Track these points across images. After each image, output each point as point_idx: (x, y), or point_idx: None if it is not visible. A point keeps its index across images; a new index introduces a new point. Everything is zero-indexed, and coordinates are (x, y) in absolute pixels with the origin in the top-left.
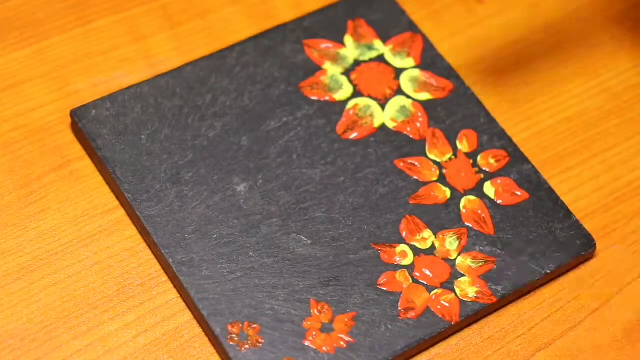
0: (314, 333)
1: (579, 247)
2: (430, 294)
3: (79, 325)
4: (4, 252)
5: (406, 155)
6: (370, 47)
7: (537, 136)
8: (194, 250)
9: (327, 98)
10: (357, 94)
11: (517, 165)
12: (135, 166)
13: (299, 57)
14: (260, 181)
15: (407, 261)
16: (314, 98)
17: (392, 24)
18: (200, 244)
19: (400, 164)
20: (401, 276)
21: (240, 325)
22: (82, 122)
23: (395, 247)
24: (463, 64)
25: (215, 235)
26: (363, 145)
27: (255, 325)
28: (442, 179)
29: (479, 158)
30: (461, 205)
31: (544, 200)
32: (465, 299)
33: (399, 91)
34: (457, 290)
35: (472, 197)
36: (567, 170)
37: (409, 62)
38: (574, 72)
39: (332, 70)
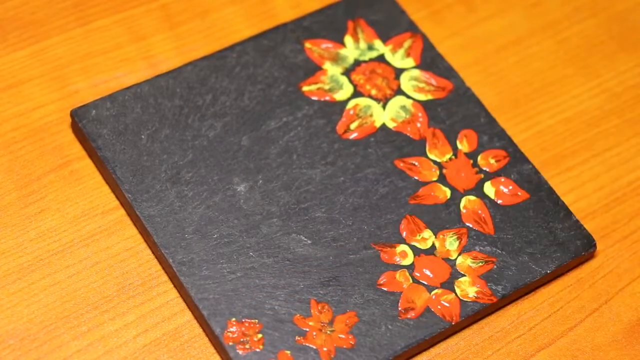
0: (314, 333)
1: (579, 247)
2: (430, 294)
3: (79, 325)
4: (4, 252)
5: (406, 155)
6: (370, 47)
7: (537, 136)
8: (194, 250)
9: (327, 98)
10: (357, 94)
11: (517, 165)
12: (135, 166)
13: (299, 57)
14: (261, 181)
15: (407, 261)
16: (314, 98)
17: (392, 24)
18: (200, 244)
19: (400, 164)
20: (401, 276)
21: (241, 325)
22: (82, 122)
23: (395, 247)
24: (463, 64)
25: (215, 235)
26: (363, 145)
27: (255, 325)
28: (442, 179)
29: (479, 158)
30: (461, 205)
31: (544, 201)
32: (465, 299)
33: (399, 91)
34: (457, 290)
35: (472, 197)
36: (567, 170)
37: (409, 62)
38: (574, 72)
39: (332, 70)
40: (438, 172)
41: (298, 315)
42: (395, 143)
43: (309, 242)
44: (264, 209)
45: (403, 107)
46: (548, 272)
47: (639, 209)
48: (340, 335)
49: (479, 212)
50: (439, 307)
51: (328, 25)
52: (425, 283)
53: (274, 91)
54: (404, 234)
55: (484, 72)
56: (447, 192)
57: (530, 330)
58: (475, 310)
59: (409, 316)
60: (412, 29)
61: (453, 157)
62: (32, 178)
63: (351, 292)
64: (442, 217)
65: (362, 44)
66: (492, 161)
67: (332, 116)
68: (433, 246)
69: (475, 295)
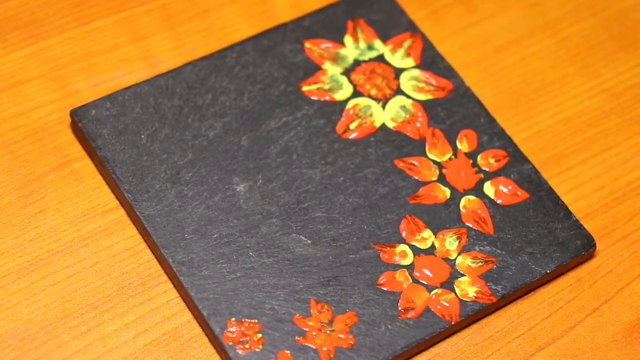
0: (314, 333)
1: (579, 247)
2: (430, 293)
3: (78, 325)
4: (4, 252)
5: (406, 155)
6: (370, 47)
7: (537, 136)
8: (193, 250)
9: (327, 98)
10: (357, 93)
11: (517, 165)
12: (135, 166)
13: (299, 57)
14: (260, 181)
15: (407, 261)
16: (314, 98)
17: (392, 23)
18: (200, 243)
19: (400, 164)
20: (401, 276)
21: (240, 325)
22: (82, 122)
23: (395, 247)
24: (463, 64)
25: (215, 235)
26: (363, 145)
27: (255, 325)
28: (442, 179)
29: (478, 158)
30: (461, 205)
31: (543, 200)
32: (465, 299)
33: (399, 91)
34: (457, 290)
35: (472, 197)
36: (567, 170)
37: (409, 62)
38: (573, 71)
39: (331, 70)
40: (438, 172)
41: (298, 315)
42: (395, 143)
43: (309, 242)
44: (264, 208)
45: (403, 107)
46: (548, 271)
47: (639, 208)
48: (340, 335)
49: (479, 211)
50: (438, 307)
51: (328, 25)
52: (425, 283)
53: (273, 91)
54: (403, 234)
55: (484, 71)
56: (447, 192)
57: (530, 330)
58: (475, 310)
59: (408, 316)
60: (412, 28)
61: (453, 156)
62: (31, 178)
63: (351, 292)
64: (442, 217)
65: (362, 44)
66: (492, 161)
67: (332, 116)
68: (433, 246)
69: (475, 295)
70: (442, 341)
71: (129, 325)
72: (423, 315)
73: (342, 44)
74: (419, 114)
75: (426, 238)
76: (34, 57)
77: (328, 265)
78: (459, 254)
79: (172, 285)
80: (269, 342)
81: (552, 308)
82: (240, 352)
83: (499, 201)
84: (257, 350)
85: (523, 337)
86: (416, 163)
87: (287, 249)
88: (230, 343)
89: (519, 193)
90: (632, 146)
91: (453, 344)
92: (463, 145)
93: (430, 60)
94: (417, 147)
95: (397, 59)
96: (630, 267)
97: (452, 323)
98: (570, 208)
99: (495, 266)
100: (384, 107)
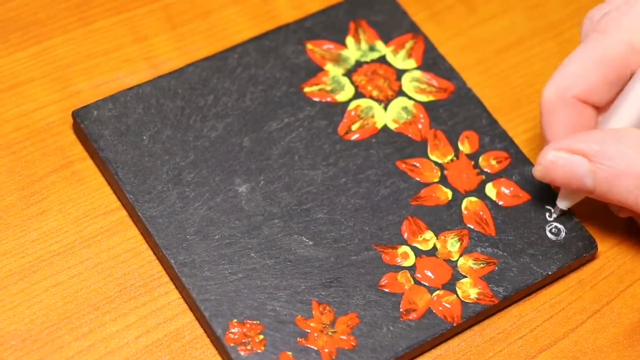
0: (316, 334)
1: (581, 249)
2: (431, 295)
3: (80, 326)
4: (6, 253)
5: (408, 157)
6: (372, 48)
7: (539, 137)
8: (195, 251)
9: (328, 99)
10: (358, 95)
11: (519, 166)
12: (137, 167)
13: (301, 58)
14: (262, 182)
15: (409, 262)
16: (316, 99)
17: (394, 25)
18: (201, 245)
19: (401, 165)
20: (403, 277)
21: (242, 327)
22: (83, 123)
23: (396, 249)
24: (464, 65)
25: (216, 236)
26: (365, 146)
27: (257, 326)
28: (443, 180)
29: (480, 159)
30: (462, 206)
31: (545, 202)
32: (466, 301)
33: (401, 92)
34: (459, 292)
35: (473, 199)
36: None
37: (411, 63)
38: None
39: (333, 71)
40: (439, 173)
41: (299, 316)
42: (396, 144)
43: (311, 243)
44: (266, 210)
45: (404, 109)
46: (549, 273)
47: None
48: (342, 337)
49: (480, 213)
50: (440, 308)
51: (329, 26)
52: (427, 284)
53: (275, 92)
54: (405, 235)
55: (486, 73)
56: (449, 194)
57: (532, 331)
58: (476, 312)
59: (410, 317)
60: (414, 30)
61: (454, 158)
62: (33, 179)
63: (352, 294)
64: (444, 219)
65: (364, 45)
66: (494, 162)
67: (334, 117)
68: (434, 247)
69: (477, 296)
70: (444, 343)
71: (130, 327)
72: (425, 317)
73: (343, 45)
74: (421, 115)
75: (428, 239)
76: (36, 58)
77: (330, 266)
78: (460, 256)
79: (173, 287)
80: (270, 344)
81: (553, 309)
82: (242, 353)
83: (500, 203)
84: (258, 351)
85: (524, 338)
86: (418, 164)
87: (289, 250)
88: (232, 344)
89: (520, 195)
90: None
91: (454, 346)
92: (464, 147)
93: (432, 61)
94: (418, 149)
95: (399, 60)
96: (632, 268)
97: (454, 324)
98: (572, 209)
99: (496, 268)
100: (385, 108)
